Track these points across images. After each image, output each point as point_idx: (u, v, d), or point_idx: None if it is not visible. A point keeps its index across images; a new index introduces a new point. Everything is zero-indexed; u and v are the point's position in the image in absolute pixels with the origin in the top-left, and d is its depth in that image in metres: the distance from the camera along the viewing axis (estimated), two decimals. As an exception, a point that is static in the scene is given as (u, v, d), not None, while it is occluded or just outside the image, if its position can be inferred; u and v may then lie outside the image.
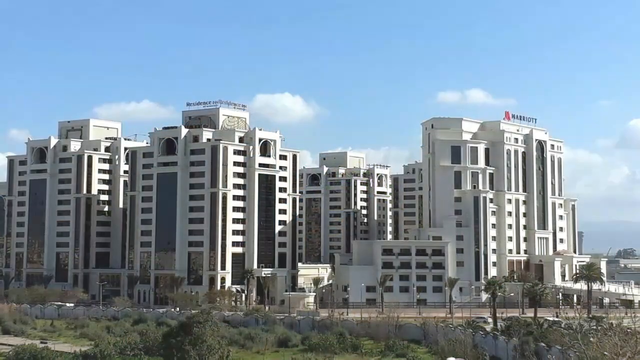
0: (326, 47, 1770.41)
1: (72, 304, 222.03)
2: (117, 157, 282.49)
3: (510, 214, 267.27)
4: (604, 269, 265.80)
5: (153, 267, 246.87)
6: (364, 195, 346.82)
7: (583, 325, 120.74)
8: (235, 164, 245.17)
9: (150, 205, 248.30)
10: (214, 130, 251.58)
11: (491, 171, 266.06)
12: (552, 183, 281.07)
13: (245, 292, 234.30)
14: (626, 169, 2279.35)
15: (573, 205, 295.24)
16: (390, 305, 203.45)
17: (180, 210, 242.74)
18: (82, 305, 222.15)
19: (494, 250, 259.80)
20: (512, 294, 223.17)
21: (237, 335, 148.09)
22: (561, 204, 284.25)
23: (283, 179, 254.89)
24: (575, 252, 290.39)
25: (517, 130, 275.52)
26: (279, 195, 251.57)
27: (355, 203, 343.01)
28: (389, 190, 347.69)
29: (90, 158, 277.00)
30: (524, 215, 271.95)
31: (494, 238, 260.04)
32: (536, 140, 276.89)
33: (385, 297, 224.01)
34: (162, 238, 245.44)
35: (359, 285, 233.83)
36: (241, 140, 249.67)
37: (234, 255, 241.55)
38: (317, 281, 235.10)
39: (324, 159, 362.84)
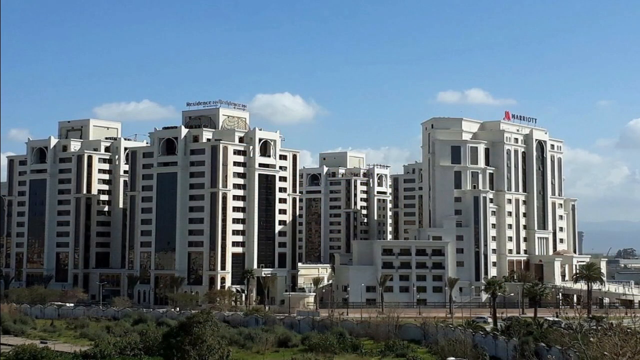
0: (326, 47, 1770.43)
1: (72, 304, 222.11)
2: (117, 157, 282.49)
3: (510, 214, 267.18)
4: (604, 269, 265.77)
5: (153, 267, 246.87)
6: (364, 195, 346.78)
7: (583, 325, 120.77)
8: (235, 164, 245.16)
9: (150, 205, 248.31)
10: (214, 130, 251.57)
11: (491, 171, 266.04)
12: (552, 183, 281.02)
13: (245, 292, 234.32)
14: (626, 169, 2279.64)
15: (573, 205, 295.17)
16: (390, 305, 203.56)
17: (180, 210, 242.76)
18: (82, 305, 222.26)
19: (494, 250, 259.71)
20: (512, 294, 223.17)
21: (237, 335, 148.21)
22: (561, 204, 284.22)
23: (283, 179, 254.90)
24: (575, 252, 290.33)
25: (517, 130, 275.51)
26: (279, 195, 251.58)
27: (355, 203, 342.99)
28: (389, 190, 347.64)
29: (90, 158, 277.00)
30: (524, 215, 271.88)
31: (494, 238, 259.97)
32: (536, 140, 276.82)
33: (385, 297, 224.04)
34: (162, 238, 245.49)
35: (359, 285, 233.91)
36: (241, 140, 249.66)
37: (234, 255, 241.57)
38: (317, 281, 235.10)
39: (324, 159, 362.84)
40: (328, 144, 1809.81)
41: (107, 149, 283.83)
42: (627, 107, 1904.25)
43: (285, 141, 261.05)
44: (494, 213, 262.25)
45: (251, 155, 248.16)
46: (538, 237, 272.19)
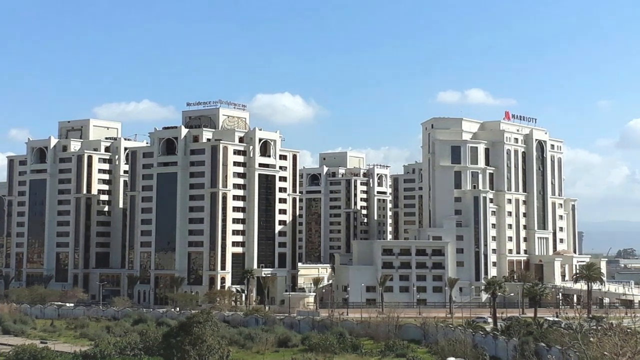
0: (326, 47, 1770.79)
1: (72, 304, 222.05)
2: (117, 157, 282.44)
3: (510, 214, 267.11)
4: (604, 269, 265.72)
5: (153, 267, 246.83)
6: (364, 195, 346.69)
7: (583, 325, 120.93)
8: (235, 164, 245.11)
9: (150, 205, 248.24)
10: (214, 130, 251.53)
11: (491, 171, 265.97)
12: (552, 183, 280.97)
13: (245, 292, 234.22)
14: (626, 169, 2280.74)
15: (573, 205, 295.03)
16: (390, 305, 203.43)
17: (180, 210, 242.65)
18: (82, 305, 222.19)
19: (494, 250, 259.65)
20: (512, 294, 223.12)
21: (237, 335, 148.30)
22: (561, 204, 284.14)
23: (283, 179, 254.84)
24: (575, 252, 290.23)
25: (517, 130, 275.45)
26: (279, 195, 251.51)
27: (355, 203, 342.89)
28: (389, 190, 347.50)
29: (90, 158, 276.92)
30: (524, 215, 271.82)
31: (494, 238, 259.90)
32: (536, 140, 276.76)
33: (385, 297, 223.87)
34: (162, 238, 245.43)
35: (359, 285, 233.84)
36: (241, 140, 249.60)
37: (234, 255, 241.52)
38: (317, 281, 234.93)
39: (324, 159, 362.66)
40: (328, 144, 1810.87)
41: (107, 149, 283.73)
42: (627, 107, 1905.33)
43: (285, 141, 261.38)
44: (494, 213, 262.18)
45: (251, 155, 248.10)
46: (538, 237, 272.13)
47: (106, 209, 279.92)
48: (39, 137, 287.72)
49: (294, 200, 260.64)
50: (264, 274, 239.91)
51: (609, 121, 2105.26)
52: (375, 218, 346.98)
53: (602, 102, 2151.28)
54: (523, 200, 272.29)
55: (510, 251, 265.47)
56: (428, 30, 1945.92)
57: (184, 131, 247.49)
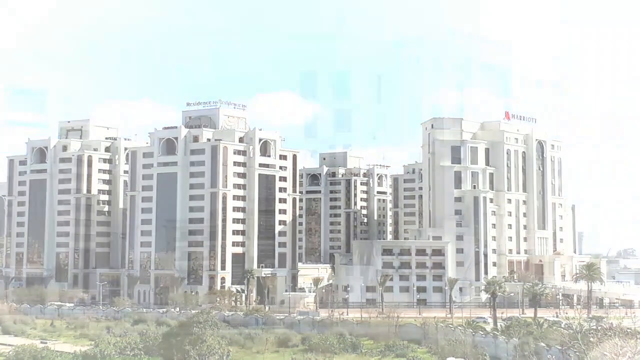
0: (326, 47, 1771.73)
1: (72, 304, 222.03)
2: (117, 157, 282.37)
3: (510, 214, 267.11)
4: (604, 269, 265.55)
5: (153, 267, 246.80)
6: (364, 195, 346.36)
7: (583, 325, 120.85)
8: (235, 164, 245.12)
9: (150, 205, 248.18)
10: (214, 130, 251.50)
11: (491, 171, 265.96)
12: (552, 183, 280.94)
13: (245, 292, 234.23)
14: (625, 169, 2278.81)
15: (573, 205, 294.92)
16: (390, 305, 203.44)
17: (180, 210, 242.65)
18: (82, 305, 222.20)
19: (494, 250, 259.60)
20: (512, 294, 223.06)
21: (237, 335, 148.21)
22: (561, 204, 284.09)
23: (283, 179, 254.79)
24: (575, 252, 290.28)
25: (517, 130, 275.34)
26: (279, 195, 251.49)
27: (355, 203, 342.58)
28: (389, 190, 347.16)
29: (90, 158, 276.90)
30: (524, 215, 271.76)
31: (494, 238, 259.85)
32: (536, 140, 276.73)
33: (385, 297, 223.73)
34: (162, 238, 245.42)
35: (359, 285, 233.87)
36: (241, 140, 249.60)
37: (234, 255, 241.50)
38: (317, 281, 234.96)
39: (324, 159, 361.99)
40: (328, 144, 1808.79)
41: (107, 149, 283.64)
42: (626, 107, 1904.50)
43: (285, 141, 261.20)
44: (494, 213, 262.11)
45: (251, 155, 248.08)
46: (538, 237, 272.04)
47: (106, 209, 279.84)
48: (39, 137, 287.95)
49: (294, 200, 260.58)
50: (264, 274, 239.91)
51: (607, 121, 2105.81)
52: (375, 218, 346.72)
53: (601, 102, 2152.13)
54: (523, 200, 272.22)
55: (510, 251, 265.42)
56: (428, 30, 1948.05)
57: (184, 131, 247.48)
